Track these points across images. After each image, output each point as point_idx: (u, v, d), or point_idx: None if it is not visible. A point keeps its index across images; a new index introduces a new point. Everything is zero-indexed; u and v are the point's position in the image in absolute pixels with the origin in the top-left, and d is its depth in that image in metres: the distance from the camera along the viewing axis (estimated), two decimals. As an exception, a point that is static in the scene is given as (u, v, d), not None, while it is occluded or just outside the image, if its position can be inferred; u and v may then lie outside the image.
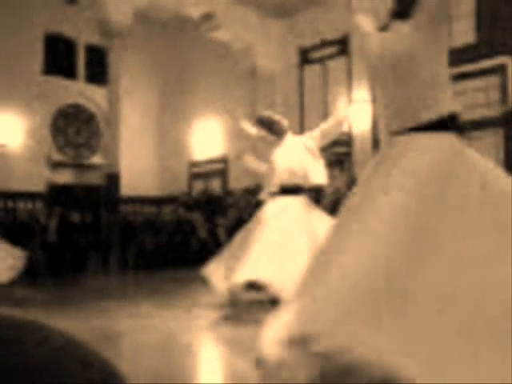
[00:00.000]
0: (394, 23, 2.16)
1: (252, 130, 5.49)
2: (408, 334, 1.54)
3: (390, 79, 2.12)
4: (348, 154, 12.10)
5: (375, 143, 11.65)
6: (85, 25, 13.18)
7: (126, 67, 12.41)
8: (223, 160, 14.12)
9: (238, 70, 13.52)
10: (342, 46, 12.28)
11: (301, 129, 11.08)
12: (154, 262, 11.02)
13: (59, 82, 13.57)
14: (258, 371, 1.86)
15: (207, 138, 14.47)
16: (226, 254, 5.16)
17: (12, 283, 6.52)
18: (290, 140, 5.14)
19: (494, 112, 9.79)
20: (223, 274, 4.88)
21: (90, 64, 14.15)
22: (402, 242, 1.70)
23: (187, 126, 15.03)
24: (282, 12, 13.16)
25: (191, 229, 11.92)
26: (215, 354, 3.56)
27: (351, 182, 12.03)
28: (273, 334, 1.89)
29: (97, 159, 14.17)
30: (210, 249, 10.02)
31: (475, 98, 9.88)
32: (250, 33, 12.85)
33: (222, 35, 12.65)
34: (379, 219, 1.81)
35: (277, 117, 5.24)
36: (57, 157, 13.56)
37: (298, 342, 1.67)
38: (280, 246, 4.49)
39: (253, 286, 4.60)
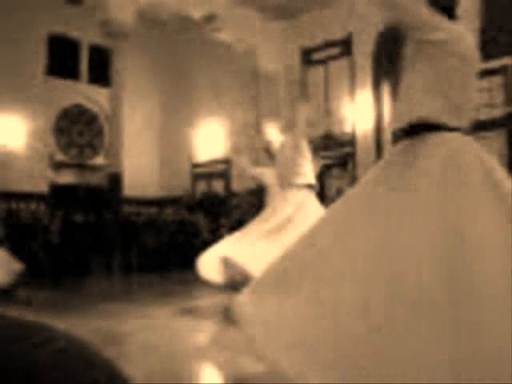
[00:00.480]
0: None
1: (277, 138, 5.50)
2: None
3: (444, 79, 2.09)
4: (351, 155, 12.08)
5: (378, 144, 11.64)
6: (88, 26, 13.19)
7: (128, 68, 12.43)
8: (226, 161, 14.11)
9: (240, 71, 13.52)
10: (345, 46, 12.27)
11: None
12: (157, 263, 11.01)
13: (62, 83, 13.58)
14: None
15: (210, 138, 14.47)
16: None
17: (14, 286, 6.48)
18: (286, 140, 5.19)
19: (498, 112, 9.77)
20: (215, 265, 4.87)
21: (93, 65, 14.17)
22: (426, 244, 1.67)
23: (190, 127, 15.03)
24: (285, 13, 13.15)
25: (194, 230, 11.91)
26: (219, 355, 3.54)
27: (354, 182, 12.02)
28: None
29: (99, 160, 14.18)
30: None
31: (479, 99, 9.86)
32: (253, 34, 12.85)
33: (224, 36, 12.65)
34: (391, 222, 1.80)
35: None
36: (60, 157, 13.57)
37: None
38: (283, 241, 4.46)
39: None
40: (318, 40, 12.68)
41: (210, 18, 12.26)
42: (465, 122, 2.03)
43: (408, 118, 2.07)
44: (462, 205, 1.71)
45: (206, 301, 5.68)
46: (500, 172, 1.84)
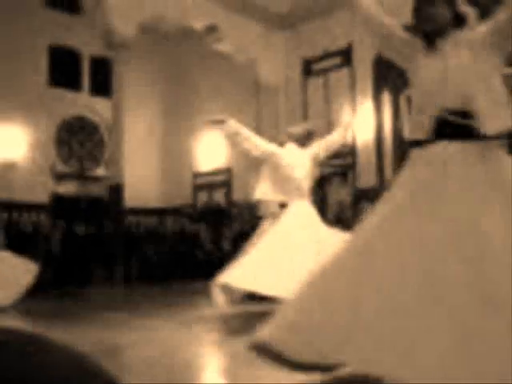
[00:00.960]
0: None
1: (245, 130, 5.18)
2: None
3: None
4: (352, 166, 12.08)
5: (379, 154, 11.65)
6: (89, 36, 13.25)
7: (130, 79, 12.47)
8: (227, 171, 14.13)
9: (241, 82, 13.56)
10: (346, 57, 12.32)
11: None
12: (158, 273, 11.00)
13: (63, 94, 13.63)
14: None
15: (211, 148, 14.49)
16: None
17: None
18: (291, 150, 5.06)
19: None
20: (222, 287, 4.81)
21: (94, 75, 14.22)
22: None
23: (191, 137, 15.06)
24: (286, 24, 13.22)
25: (195, 240, 11.90)
26: (220, 367, 3.53)
27: (355, 193, 12.01)
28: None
29: (101, 170, 14.20)
30: (214, 260, 10.00)
31: None
32: (254, 44, 12.90)
33: (225, 47, 12.70)
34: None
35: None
36: (61, 168, 13.59)
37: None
38: (283, 255, 4.42)
39: (252, 297, 4.55)
40: (319, 50, 12.73)
41: (210, 29, 12.32)
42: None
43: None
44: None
45: (207, 312, 5.66)
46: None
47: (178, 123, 15.29)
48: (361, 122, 11.82)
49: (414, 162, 2.14)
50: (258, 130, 12.51)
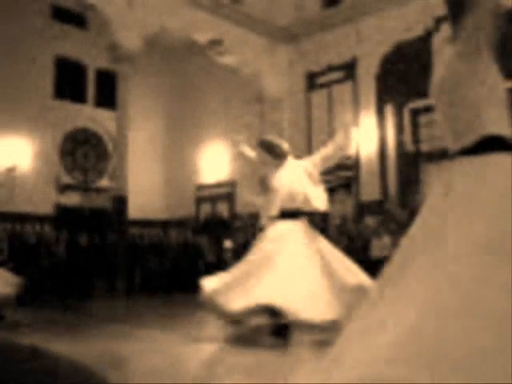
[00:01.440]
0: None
1: (251, 153, 5.45)
2: None
3: (441, 101, 2.06)
4: (355, 178, 12.10)
5: (382, 167, 11.66)
6: (95, 49, 13.38)
7: (134, 91, 12.56)
8: (230, 183, 14.16)
9: (245, 95, 13.63)
10: (349, 70, 12.39)
11: (308, 153, 11.11)
12: (161, 285, 10.99)
13: (69, 106, 13.73)
14: None
15: (214, 161, 14.54)
16: (228, 280, 5.12)
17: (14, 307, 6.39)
18: (291, 163, 5.10)
19: None
20: (230, 297, 4.81)
21: (99, 88, 14.33)
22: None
23: (194, 150, 15.11)
24: (289, 37, 13.32)
25: (198, 252, 11.91)
26: (221, 379, 3.53)
27: (358, 206, 12.02)
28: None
29: (105, 182, 14.25)
30: (217, 272, 9.98)
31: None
32: (258, 58, 12.99)
33: (229, 60, 12.79)
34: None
35: (277, 140, 5.22)
36: (65, 180, 13.64)
37: None
38: (291, 270, 4.44)
39: (265, 311, 4.54)
40: (322, 64, 12.81)
41: (215, 43, 12.42)
42: None
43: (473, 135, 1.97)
44: None
45: (209, 324, 5.66)
46: None
47: (181, 136, 15.36)
48: (364, 135, 11.87)
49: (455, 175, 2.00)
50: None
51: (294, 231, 4.82)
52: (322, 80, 12.95)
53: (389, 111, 11.74)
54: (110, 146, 14.37)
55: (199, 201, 14.98)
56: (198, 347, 4.42)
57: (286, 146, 5.15)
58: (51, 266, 9.99)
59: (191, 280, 11.07)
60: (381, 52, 11.74)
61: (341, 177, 12.30)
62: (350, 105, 12.31)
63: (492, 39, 1.97)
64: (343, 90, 12.51)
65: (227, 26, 12.35)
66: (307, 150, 12.04)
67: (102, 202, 13.71)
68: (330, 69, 12.70)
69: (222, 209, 14.35)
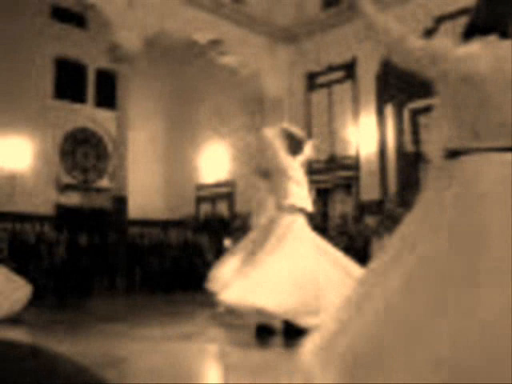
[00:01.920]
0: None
1: (271, 133, 5.48)
2: None
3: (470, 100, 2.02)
4: (355, 178, 12.11)
5: (382, 167, 11.67)
6: (95, 50, 13.38)
7: (134, 92, 12.56)
8: (230, 183, 14.17)
9: (245, 95, 13.64)
10: (349, 70, 12.39)
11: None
12: (161, 284, 11.00)
13: (68, 106, 13.73)
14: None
15: (214, 161, 14.55)
16: (233, 265, 5.16)
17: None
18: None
19: None
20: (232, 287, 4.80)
21: (99, 88, 14.33)
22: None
23: (194, 150, 15.12)
24: (290, 37, 13.32)
25: (198, 252, 11.91)
26: (221, 378, 3.54)
27: (358, 206, 12.02)
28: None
29: (105, 182, 14.26)
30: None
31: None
32: (258, 58, 13.00)
33: (229, 60, 12.80)
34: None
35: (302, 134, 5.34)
36: (65, 179, 13.65)
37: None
38: (296, 273, 4.42)
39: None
40: (323, 64, 12.81)
41: (215, 43, 12.42)
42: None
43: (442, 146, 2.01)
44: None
45: (209, 323, 5.67)
46: None
47: (181, 135, 15.36)
48: (364, 135, 11.87)
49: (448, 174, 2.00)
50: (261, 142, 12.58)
51: (305, 226, 4.87)
52: (321, 80, 12.96)
53: (389, 111, 11.74)
54: (110, 146, 14.37)
55: (199, 200, 14.99)
56: (199, 346, 4.43)
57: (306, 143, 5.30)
58: (51, 266, 9.99)
59: (191, 279, 11.11)
60: (381, 52, 11.73)
61: (341, 177, 12.31)
62: (349, 105, 12.32)
63: None
64: (343, 90, 12.52)
65: (227, 26, 12.35)
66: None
67: (102, 201, 13.72)
68: (330, 69, 12.71)
69: (222, 208, 14.36)
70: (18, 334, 5.12)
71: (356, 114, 12.12)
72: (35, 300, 6.75)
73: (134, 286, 11.10)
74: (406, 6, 11.29)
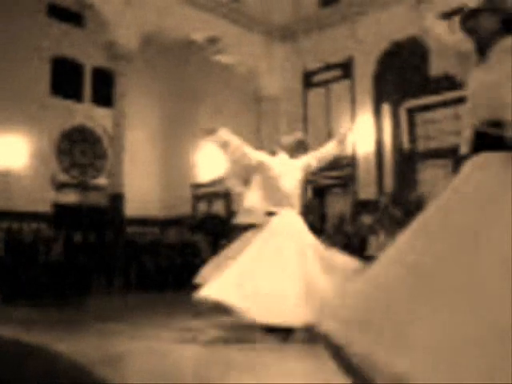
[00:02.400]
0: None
1: (231, 137, 5.22)
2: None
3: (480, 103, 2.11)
4: (352, 177, 12.12)
5: (379, 165, 11.69)
6: (92, 48, 13.36)
7: (131, 90, 12.54)
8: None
9: (242, 93, 13.64)
10: (346, 69, 12.40)
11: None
12: (158, 283, 11.00)
13: (66, 104, 13.71)
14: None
15: (211, 159, 14.54)
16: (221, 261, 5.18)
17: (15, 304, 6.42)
18: (283, 160, 5.06)
19: None
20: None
21: (96, 86, 14.31)
22: None
23: (191, 148, 15.11)
24: (287, 36, 13.32)
25: (195, 250, 11.91)
26: (217, 376, 3.55)
27: (355, 205, 12.04)
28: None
29: (102, 180, 14.24)
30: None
31: None
32: (255, 56, 13.00)
33: (226, 59, 12.80)
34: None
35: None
36: (62, 178, 13.64)
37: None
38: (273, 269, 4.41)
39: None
40: (319, 63, 12.82)
41: (212, 41, 12.42)
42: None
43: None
44: None
45: (205, 322, 5.67)
46: None
47: (178, 134, 15.35)
48: (361, 133, 11.88)
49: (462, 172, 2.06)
50: (259, 141, 12.58)
51: (293, 226, 4.82)
52: (318, 78, 12.97)
53: (385, 110, 11.76)
54: (106, 144, 14.35)
55: (196, 199, 14.99)
56: (196, 346, 4.43)
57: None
58: (48, 264, 9.98)
59: (188, 278, 11.11)
60: (378, 51, 11.75)
61: (338, 175, 12.32)
62: (346, 103, 12.33)
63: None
64: (340, 89, 12.53)
65: (224, 25, 12.35)
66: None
67: (99, 200, 13.71)
68: (327, 67, 12.72)
69: (219, 207, 14.36)
70: (16, 333, 5.13)
71: (353, 112, 12.13)
72: (32, 298, 6.75)
73: (130, 284, 11.09)
74: (402, 5, 11.30)
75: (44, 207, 12.89)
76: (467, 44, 2.27)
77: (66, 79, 13.78)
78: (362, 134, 11.85)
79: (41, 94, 13.16)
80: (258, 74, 13.11)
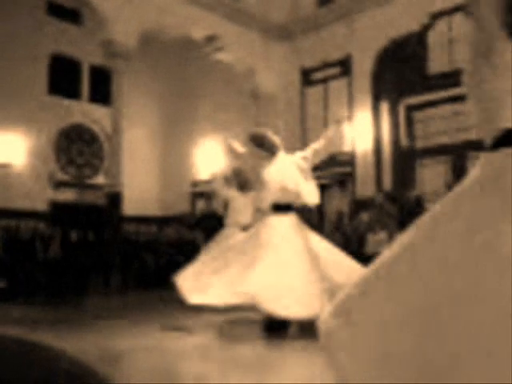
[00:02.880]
0: None
1: (241, 148, 5.39)
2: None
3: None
4: (351, 174, 12.13)
5: (377, 163, 11.69)
6: (89, 46, 13.32)
7: (129, 88, 12.52)
8: (225, 180, 14.13)
9: (240, 91, 13.62)
10: (344, 66, 12.40)
11: (303, 150, 11.11)
12: (156, 281, 10.99)
13: (63, 102, 13.68)
14: None
15: (209, 157, 14.53)
16: (202, 268, 5.20)
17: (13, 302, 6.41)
18: (282, 158, 5.08)
19: None
20: (198, 287, 4.84)
21: (93, 84, 14.28)
22: None
23: (190, 146, 15.10)
24: (285, 34, 13.31)
25: (194, 248, 11.90)
26: (216, 374, 3.54)
27: (354, 203, 12.04)
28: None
29: (99, 179, 14.22)
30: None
31: None
32: (253, 54, 12.99)
33: (225, 57, 12.78)
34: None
35: (269, 133, 5.18)
36: (60, 176, 13.61)
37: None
38: (277, 264, 4.42)
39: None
40: (318, 60, 12.81)
41: (210, 39, 12.40)
42: None
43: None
44: None
45: (203, 320, 5.67)
46: None
47: (176, 132, 15.34)
48: (359, 131, 11.88)
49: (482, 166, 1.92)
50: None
51: (285, 225, 4.81)
52: (317, 76, 12.97)
53: (384, 107, 11.76)
54: (104, 143, 14.33)
55: (195, 197, 14.98)
56: (195, 344, 4.43)
57: (277, 139, 5.12)
58: (46, 263, 9.97)
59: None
60: (376, 48, 11.75)
61: (336, 173, 12.32)
62: (345, 101, 12.33)
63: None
64: (338, 87, 12.52)
65: (223, 23, 12.34)
66: (302, 145, 12.04)
67: (96, 198, 13.68)
68: (326, 65, 12.71)
69: (218, 204, 14.34)
70: (16, 332, 5.11)
71: (351, 110, 12.12)
72: (30, 297, 6.74)
73: (129, 282, 11.08)
74: (400, 2, 11.30)
75: (42, 205, 12.87)
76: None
77: (63, 77, 13.74)
78: (361, 131, 11.85)
79: (38, 92, 13.12)
80: (256, 72, 13.10)
